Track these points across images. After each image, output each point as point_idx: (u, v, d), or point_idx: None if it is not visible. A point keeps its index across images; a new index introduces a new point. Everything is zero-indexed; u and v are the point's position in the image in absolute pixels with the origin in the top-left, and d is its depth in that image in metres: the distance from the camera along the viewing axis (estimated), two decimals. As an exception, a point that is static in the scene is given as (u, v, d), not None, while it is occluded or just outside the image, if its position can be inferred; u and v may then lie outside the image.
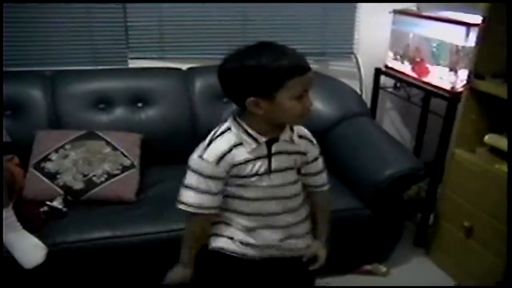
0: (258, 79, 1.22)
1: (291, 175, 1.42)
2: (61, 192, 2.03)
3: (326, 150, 2.38)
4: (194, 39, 2.68)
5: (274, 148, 1.35)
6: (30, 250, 1.76)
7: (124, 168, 2.14)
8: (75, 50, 2.54)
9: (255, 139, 1.32)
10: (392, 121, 3.16)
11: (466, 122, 2.19)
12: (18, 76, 2.38)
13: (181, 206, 1.35)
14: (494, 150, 2.14)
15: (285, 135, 1.36)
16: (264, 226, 1.41)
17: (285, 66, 1.21)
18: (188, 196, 1.34)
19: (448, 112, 2.30)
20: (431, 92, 2.45)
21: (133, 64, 2.64)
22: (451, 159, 2.26)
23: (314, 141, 1.48)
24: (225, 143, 1.31)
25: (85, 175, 2.07)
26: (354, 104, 2.62)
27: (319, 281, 2.20)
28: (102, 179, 2.08)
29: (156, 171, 2.32)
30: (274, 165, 1.36)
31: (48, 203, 1.95)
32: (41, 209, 1.94)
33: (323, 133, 2.43)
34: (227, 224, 1.42)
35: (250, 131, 1.31)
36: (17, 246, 1.74)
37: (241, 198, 1.38)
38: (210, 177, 1.31)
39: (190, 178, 1.33)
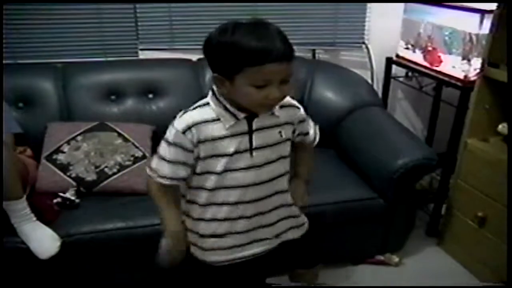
0: (222, 58, 1.20)
1: (279, 150, 1.36)
2: (74, 183, 2.04)
3: (338, 140, 2.40)
4: (204, 30, 2.63)
5: (255, 124, 1.29)
6: (45, 240, 1.77)
7: (136, 159, 2.15)
8: (85, 42, 2.53)
9: (234, 115, 1.26)
10: (403, 111, 3.13)
11: (479, 112, 2.17)
12: (29, 68, 2.39)
13: (151, 173, 1.33)
14: (507, 139, 2.12)
15: None
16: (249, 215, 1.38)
17: (248, 51, 1.14)
18: (159, 165, 1.31)
19: (460, 102, 2.27)
20: (443, 81, 2.42)
21: (143, 55, 2.64)
22: (463, 148, 2.24)
23: (297, 104, 1.40)
24: (199, 115, 1.27)
25: (97, 167, 2.08)
26: (365, 94, 2.61)
27: (338, 270, 2.22)
28: (114, 170, 2.09)
29: (168, 162, 2.32)
30: (256, 142, 1.30)
31: (61, 194, 1.97)
32: (54, 201, 1.96)
33: (335, 123, 2.42)
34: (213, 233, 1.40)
35: (229, 107, 1.25)
36: (33, 237, 1.76)
37: (220, 187, 1.32)
38: (175, 144, 1.27)
39: (162, 148, 1.30)
